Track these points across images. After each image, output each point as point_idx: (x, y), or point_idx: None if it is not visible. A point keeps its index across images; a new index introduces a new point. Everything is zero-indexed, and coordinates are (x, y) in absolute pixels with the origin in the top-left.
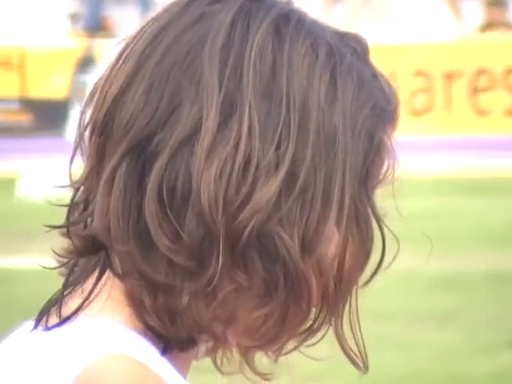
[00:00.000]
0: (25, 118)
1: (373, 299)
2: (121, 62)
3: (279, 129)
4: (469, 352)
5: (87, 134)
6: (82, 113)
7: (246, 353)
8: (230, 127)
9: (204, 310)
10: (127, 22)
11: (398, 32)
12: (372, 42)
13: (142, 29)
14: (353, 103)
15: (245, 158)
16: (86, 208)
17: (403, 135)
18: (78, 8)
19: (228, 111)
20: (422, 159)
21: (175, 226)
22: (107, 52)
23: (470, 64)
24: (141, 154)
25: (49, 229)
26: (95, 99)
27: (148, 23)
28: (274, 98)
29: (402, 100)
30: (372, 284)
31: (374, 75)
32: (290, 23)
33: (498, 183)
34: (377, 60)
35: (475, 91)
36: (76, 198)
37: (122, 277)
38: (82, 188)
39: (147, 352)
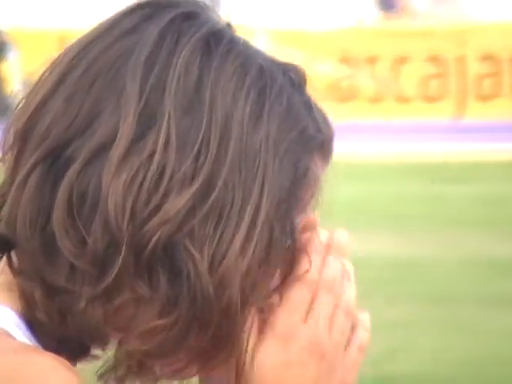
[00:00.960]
0: None
1: (438, 283)
2: (48, 72)
3: (198, 143)
4: None
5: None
6: (6, 128)
7: (141, 363)
8: (146, 138)
9: (98, 315)
10: None
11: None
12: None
13: (69, 46)
14: (279, 126)
15: (158, 170)
16: None
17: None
18: None
19: (146, 122)
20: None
21: (81, 232)
22: None
23: None
24: (55, 161)
25: None
26: (17, 112)
27: (81, 36)
28: (196, 112)
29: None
30: (438, 269)
31: (308, 104)
32: (222, 41)
33: None
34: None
35: None
36: None
37: (17, 273)
38: None
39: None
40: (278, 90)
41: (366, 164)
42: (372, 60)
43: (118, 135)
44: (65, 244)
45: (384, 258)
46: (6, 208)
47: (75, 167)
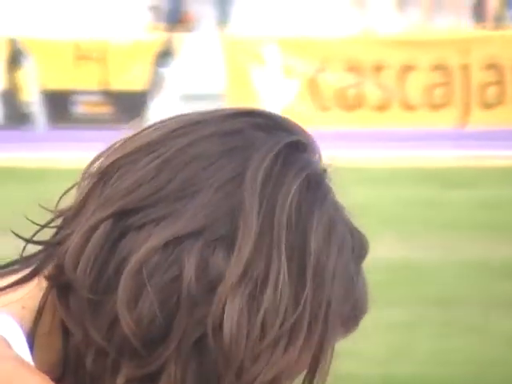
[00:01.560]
0: (106, 110)
1: (443, 286)
2: (152, 128)
3: (305, 292)
4: None
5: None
6: (97, 156)
7: None
8: (259, 267)
9: None
10: (205, 17)
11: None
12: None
13: (180, 115)
14: (342, 294)
15: (269, 309)
16: (59, 241)
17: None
18: (158, 1)
19: (261, 248)
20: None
21: (141, 311)
22: (186, 45)
23: None
24: (125, 219)
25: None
26: (112, 148)
27: (192, 113)
28: (300, 259)
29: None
30: (443, 272)
31: (361, 276)
32: (321, 186)
33: None
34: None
35: None
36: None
37: (65, 311)
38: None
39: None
40: (347, 254)
41: (372, 169)
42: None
43: (235, 251)
44: (125, 315)
45: (387, 260)
46: (73, 246)
47: (150, 245)
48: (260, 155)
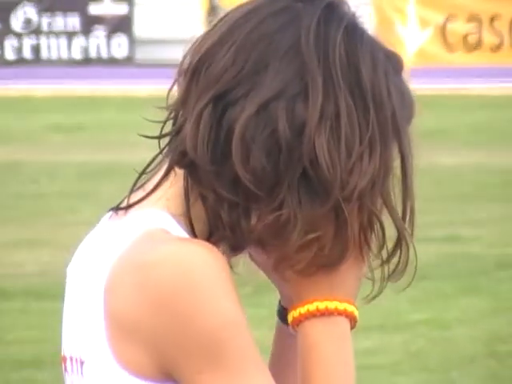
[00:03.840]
0: None
1: None
2: (219, 24)
3: (371, 116)
4: None
5: (184, 71)
6: (184, 56)
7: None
8: (331, 105)
9: (261, 230)
10: None
11: None
12: None
13: (237, 6)
14: (399, 105)
15: (349, 131)
16: (177, 131)
17: None
18: None
19: (328, 93)
20: None
21: (246, 154)
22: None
23: None
24: (222, 100)
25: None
26: (194, 47)
27: (243, 3)
28: (357, 88)
29: None
30: None
31: (403, 83)
32: (357, 30)
33: None
34: None
35: None
36: (167, 120)
37: (203, 189)
38: (173, 113)
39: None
40: (391, 74)
41: (490, 95)
42: None
43: (310, 98)
44: (243, 172)
45: (502, 166)
46: (189, 133)
47: (248, 111)
48: (306, 23)
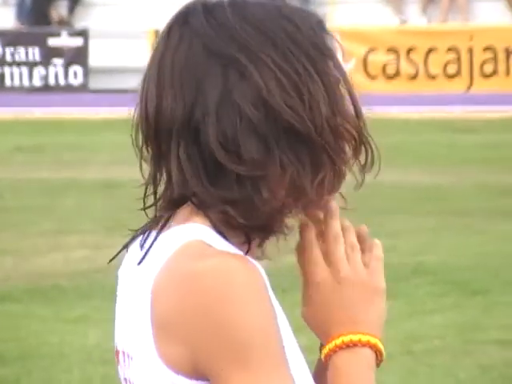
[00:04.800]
0: None
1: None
2: (148, 73)
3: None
4: None
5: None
6: (136, 130)
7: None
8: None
9: (278, 202)
10: None
11: None
12: None
13: (153, 51)
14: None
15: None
16: (166, 188)
17: None
18: None
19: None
20: None
21: (236, 153)
22: None
23: None
24: (188, 128)
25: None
26: (142, 121)
27: (154, 49)
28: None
29: None
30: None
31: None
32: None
33: None
34: None
35: None
36: (148, 183)
37: (206, 209)
38: (151, 179)
39: (217, 239)
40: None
41: (407, 119)
42: None
43: (246, 76)
44: (230, 165)
45: (417, 184)
46: (175, 178)
47: (211, 119)
48: (196, 30)
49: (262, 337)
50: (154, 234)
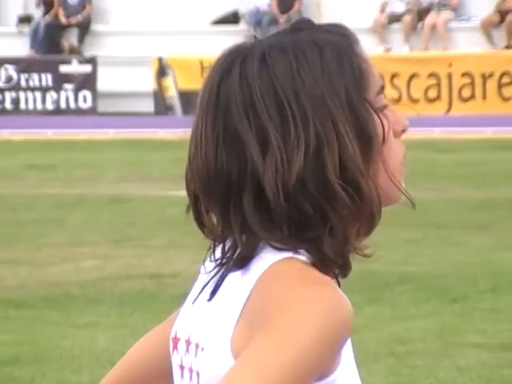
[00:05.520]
0: None
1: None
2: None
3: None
4: None
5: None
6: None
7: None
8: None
9: (351, 239)
10: None
11: None
12: None
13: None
14: None
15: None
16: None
17: None
18: None
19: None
20: None
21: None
22: None
23: None
24: (243, 186)
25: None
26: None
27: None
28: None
29: None
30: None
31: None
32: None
33: None
34: None
35: None
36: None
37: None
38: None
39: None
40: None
41: None
42: None
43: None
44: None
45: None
46: (232, 244)
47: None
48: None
49: (302, 357)
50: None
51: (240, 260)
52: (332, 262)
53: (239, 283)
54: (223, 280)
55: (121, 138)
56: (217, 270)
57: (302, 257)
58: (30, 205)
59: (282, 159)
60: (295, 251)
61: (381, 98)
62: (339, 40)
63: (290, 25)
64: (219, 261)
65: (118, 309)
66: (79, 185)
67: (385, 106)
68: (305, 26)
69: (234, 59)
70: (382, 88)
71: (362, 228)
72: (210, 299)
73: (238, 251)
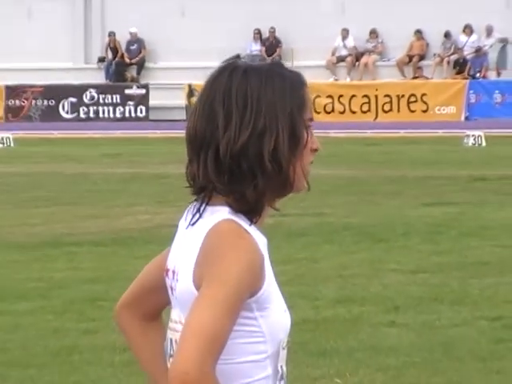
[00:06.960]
0: None
1: None
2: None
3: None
4: None
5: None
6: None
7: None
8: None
9: (268, 195)
10: None
11: None
12: None
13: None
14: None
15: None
16: (197, 177)
17: None
18: None
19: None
20: None
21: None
22: None
23: None
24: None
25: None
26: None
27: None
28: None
29: None
30: None
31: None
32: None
33: None
34: None
35: None
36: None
37: (226, 195)
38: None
39: (242, 221)
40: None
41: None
42: None
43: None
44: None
45: (343, 175)
46: (202, 174)
47: (223, 143)
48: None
49: (232, 282)
50: (203, 206)
51: (199, 189)
52: (251, 208)
53: (200, 229)
54: (200, 216)
55: (164, 136)
56: (194, 204)
57: (237, 218)
58: (104, 179)
59: (235, 133)
60: (234, 213)
61: (309, 123)
62: (296, 78)
63: (270, 60)
64: (199, 199)
65: (163, 246)
66: (136, 166)
67: (310, 128)
68: (278, 63)
69: (225, 69)
70: (311, 119)
71: (276, 193)
72: (187, 228)
73: (198, 184)
